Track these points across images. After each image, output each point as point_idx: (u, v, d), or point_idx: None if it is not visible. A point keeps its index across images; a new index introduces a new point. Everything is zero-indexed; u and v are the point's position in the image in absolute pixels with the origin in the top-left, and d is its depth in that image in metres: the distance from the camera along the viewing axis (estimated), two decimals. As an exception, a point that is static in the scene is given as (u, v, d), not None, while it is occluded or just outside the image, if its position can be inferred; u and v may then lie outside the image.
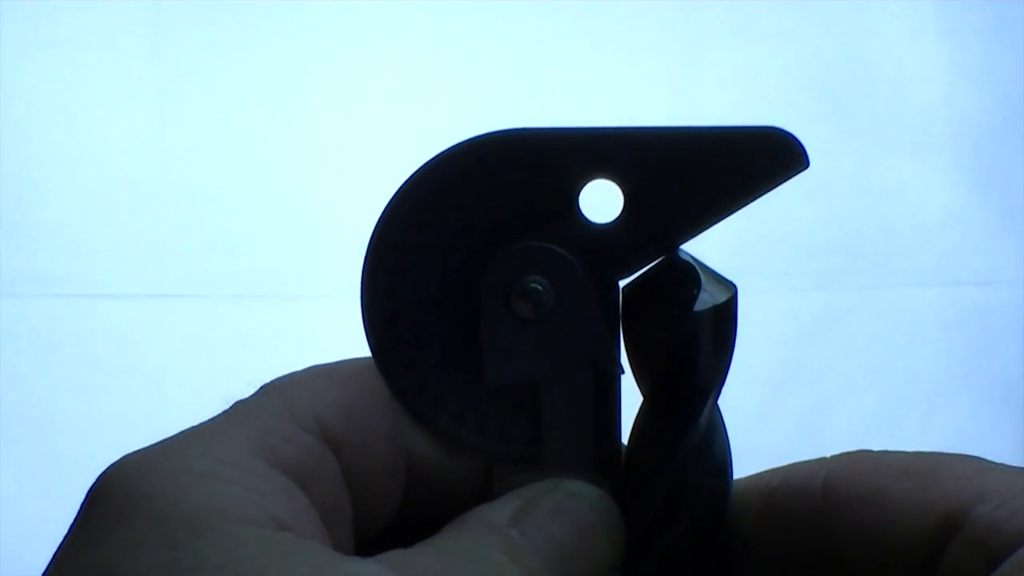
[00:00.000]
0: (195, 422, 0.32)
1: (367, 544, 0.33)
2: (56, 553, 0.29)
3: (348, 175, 1.06)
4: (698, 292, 0.32)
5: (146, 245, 1.08)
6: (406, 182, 0.33)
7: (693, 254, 0.34)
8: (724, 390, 0.34)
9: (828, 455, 0.34)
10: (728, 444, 0.34)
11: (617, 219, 0.33)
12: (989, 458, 0.32)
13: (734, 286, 0.33)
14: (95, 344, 1.08)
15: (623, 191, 0.33)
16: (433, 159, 0.33)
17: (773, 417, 1.11)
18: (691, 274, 0.33)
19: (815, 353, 1.17)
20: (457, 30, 1.09)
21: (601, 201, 0.34)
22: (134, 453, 0.31)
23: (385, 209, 0.33)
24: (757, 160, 0.33)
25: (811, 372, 1.16)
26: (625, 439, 0.35)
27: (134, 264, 1.08)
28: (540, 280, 0.33)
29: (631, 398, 0.34)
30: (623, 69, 1.08)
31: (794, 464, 0.34)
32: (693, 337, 0.33)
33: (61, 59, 1.06)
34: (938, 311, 1.19)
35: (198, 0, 1.07)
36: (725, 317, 0.33)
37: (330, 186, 1.07)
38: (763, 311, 1.12)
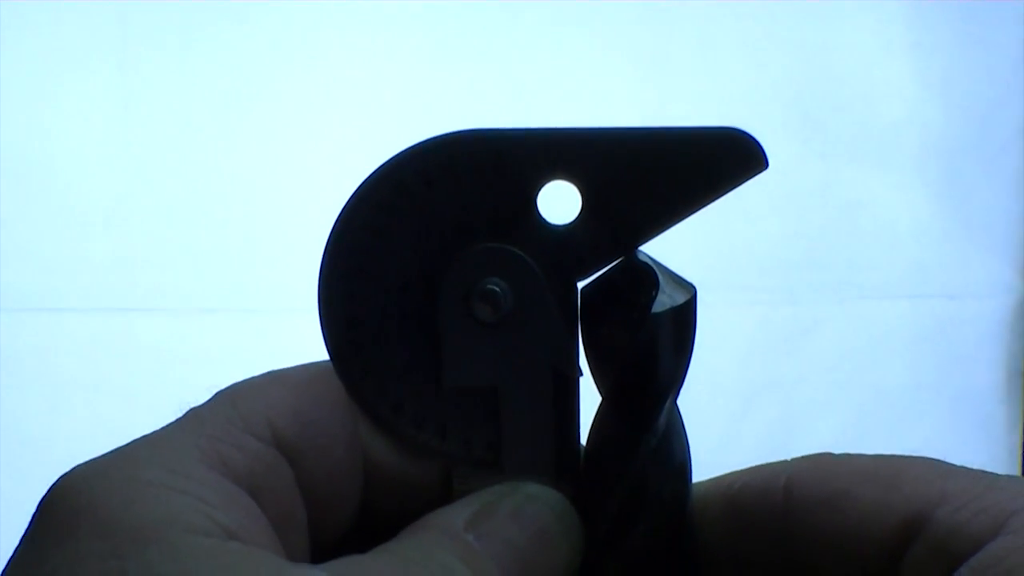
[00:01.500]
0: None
1: (328, 550, 0.33)
2: (6, 566, 0.29)
3: (313, 189, 1.05)
4: (656, 293, 0.32)
5: (110, 259, 1.07)
6: (363, 183, 0.33)
7: (652, 255, 0.34)
8: (691, 404, 0.34)
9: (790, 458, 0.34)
10: (687, 446, 0.34)
11: (575, 220, 0.33)
12: (957, 470, 0.32)
13: (693, 287, 0.33)
14: (60, 358, 1.07)
15: (581, 192, 0.33)
16: (391, 160, 0.33)
17: (741, 431, 1.11)
18: (649, 275, 0.33)
19: (783, 366, 1.16)
20: (420, 40, 1.09)
21: (560, 202, 0.33)
22: (84, 464, 0.30)
23: (343, 210, 0.33)
24: (716, 161, 0.32)
25: (779, 385, 1.16)
26: (584, 441, 0.34)
27: (99, 278, 1.07)
28: (499, 282, 0.33)
29: (589, 399, 0.34)
30: (590, 81, 1.08)
31: (756, 467, 0.34)
32: (652, 339, 0.32)
33: (25, 75, 1.06)
34: (906, 324, 1.19)
35: (163, 16, 1.07)
36: (684, 318, 0.33)
37: (295, 200, 1.06)
38: (730, 325, 1.12)
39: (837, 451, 0.34)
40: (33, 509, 0.30)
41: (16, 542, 0.29)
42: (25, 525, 0.30)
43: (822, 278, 1.17)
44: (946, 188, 1.18)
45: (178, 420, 0.32)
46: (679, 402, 0.34)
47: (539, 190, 0.33)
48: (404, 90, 1.07)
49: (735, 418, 1.12)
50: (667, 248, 0.34)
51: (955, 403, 1.19)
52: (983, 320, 1.20)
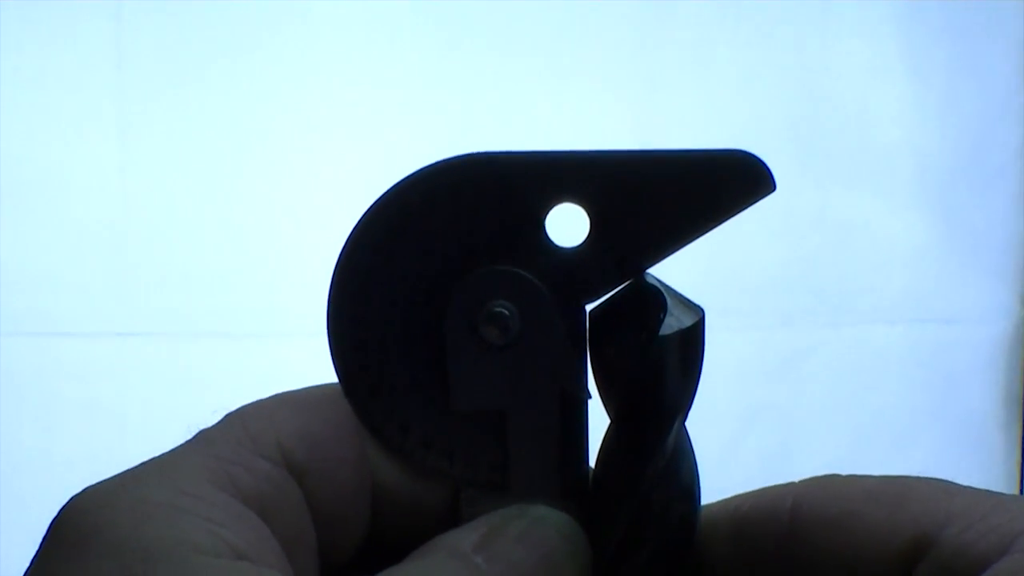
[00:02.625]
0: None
1: (336, 571, 0.33)
2: None
3: (310, 213, 1.05)
4: (664, 316, 0.32)
5: (106, 282, 1.07)
6: (372, 206, 0.33)
7: (660, 278, 0.34)
8: (688, 427, 0.34)
9: (797, 480, 0.34)
10: (696, 468, 0.34)
11: (583, 243, 0.33)
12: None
13: (701, 310, 0.33)
14: (57, 382, 1.07)
15: (589, 215, 0.33)
16: (399, 183, 0.33)
17: (738, 455, 1.11)
18: (657, 298, 0.33)
19: (779, 391, 1.16)
20: (418, 64, 1.09)
21: (568, 225, 0.33)
22: (95, 485, 0.30)
23: (351, 233, 0.33)
24: (724, 183, 0.32)
25: (775, 410, 1.16)
26: (592, 463, 0.34)
27: (94, 302, 1.07)
28: (506, 304, 0.33)
29: (598, 421, 0.34)
30: (585, 105, 1.08)
31: (763, 489, 0.34)
32: (659, 361, 0.32)
33: (23, 99, 1.06)
34: (902, 348, 1.19)
35: (159, 37, 1.07)
36: (692, 341, 0.33)
37: (292, 224, 1.07)
38: (727, 349, 1.12)
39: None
40: (31, 531, 0.30)
41: (15, 562, 0.29)
42: (24, 546, 0.30)
43: (818, 302, 1.17)
44: (942, 212, 1.18)
45: (188, 442, 0.32)
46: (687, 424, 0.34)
47: (547, 213, 0.33)
48: (405, 115, 1.07)
49: (732, 442, 1.12)
50: (663, 273, 0.34)
51: (952, 427, 1.19)
52: (980, 344, 1.20)
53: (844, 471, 0.34)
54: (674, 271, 0.35)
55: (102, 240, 1.07)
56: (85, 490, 0.30)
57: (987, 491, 0.31)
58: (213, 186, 1.08)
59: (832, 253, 1.17)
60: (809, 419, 1.17)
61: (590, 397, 0.34)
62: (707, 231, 0.33)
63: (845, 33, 1.15)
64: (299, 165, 1.08)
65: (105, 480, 0.31)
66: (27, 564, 0.29)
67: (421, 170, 0.33)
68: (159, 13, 1.07)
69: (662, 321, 0.32)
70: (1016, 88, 1.17)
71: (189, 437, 0.33)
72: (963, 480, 0.32)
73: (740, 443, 1.13)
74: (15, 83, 1.06)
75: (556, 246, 0.33)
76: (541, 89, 1.09)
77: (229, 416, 0.33)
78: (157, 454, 0.32)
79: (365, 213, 0.33)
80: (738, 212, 0.33)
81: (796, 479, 0.34)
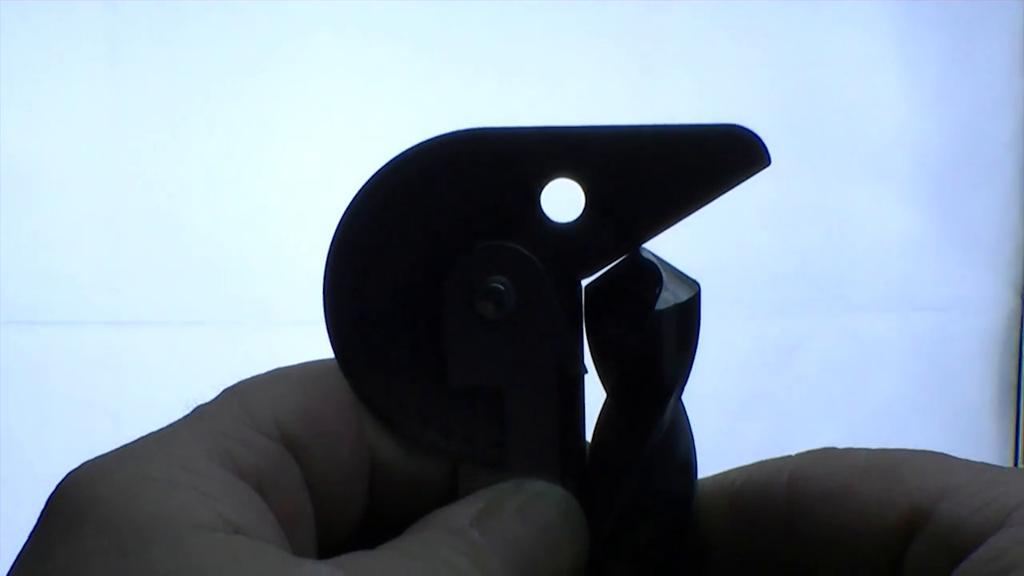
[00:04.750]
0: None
1: (334, 547, 0.33)
2: (14, 562, 0.29)
3: (305, 201, 1.05)
4: (660, 291, 0.32)
5: (102, 272, 1.07)
6: (368, 182, 0.33)
7: (656, 252, 0.34)
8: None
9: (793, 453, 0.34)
10: (693, 442, 0.34)
11: (579, 218, 0.33)
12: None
13: (697, 284, 0.33)
14: (50, 371, 1.07)
15: (584, 190, 0.33)
16: (394, 159, 0.33)
17: (734, 444, 1.11)
18: (653, 273, 0.33)
19: (774, 380, 1.17)
20: (413, 49, 1.09)
21: (563, 200, 0.33)
22: (91, 460, 0.30)
23: (347, 210, 0.33)
24: (719, 158, 0.32)
25: (771, 399, 1.16)
26: (589, 438, 0.34)
27: (90, 291, 1.07)
28: (503, 280, 0.33)
29: (595, 397, 0.34)
30: (580, 95, 1.08)
31: (759, 462, 0.34)
32: (656, 336, 0.32)
33: (13, 87, 1.06)
34: (897, 338, 1.20)
35: (154, 29, 1.07)
36: (688, 316, 0.33)
37: (289, 212, 1.07)
38: (722, 339, 1.12)
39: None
40: (26, 521, 0.30)
41: (10, 553, 0.29)
42: (19, 537, 0.30)
43: (813, 292, 1.17)
44: (937, 202, 1.18)
45: (185, 417, 0.32)
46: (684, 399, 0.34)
47: (543, 188, 0.33)
48: (397, 101, 1.07)
49: (728, 431, 1.12)
50: (661, 254, 0.34)
51: (947, 417, 1.19)
52: (974, 334, 1.21)
53: (840, 456, 0.34)
54: (669, 259, 0.35)
55: (95, 229, 1.07)
56: (82, 465, 0.30)
57: (983, 464, 0.31)
58: (207, 175, 1.08)
59: (828, 243, 1.17)
60: (805, 408, 1.17)
61: (586, 372, 0.34)
62: (702, 205, 0.33)
63: (841, 24, 1.15)
64: (293, 153, 1.08)
65: (102, 455, 0.31)
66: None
67: (416, 146, 0.33)
68: (153, 4, 1.07)
69: (658, 296, 0.32)
70: (1011, 79, 1.17)
71: (187, 413, 0.33)
72: (958, 468, 0.32)
73: (736, 432, 1.13)
74: (8, 75, 1.06)
75: (552, 221, 0.33)
76: (537, 79, 1.09)
77: (226, 392, 0.33)
78: (154, 429, 0.32)
79: (361, 189, 0.33)
80: (733, 186, 0.33)
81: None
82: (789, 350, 1.17)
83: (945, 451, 0.33)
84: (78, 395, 1.06)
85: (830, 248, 1.17)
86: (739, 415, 1.15)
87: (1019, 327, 1.20)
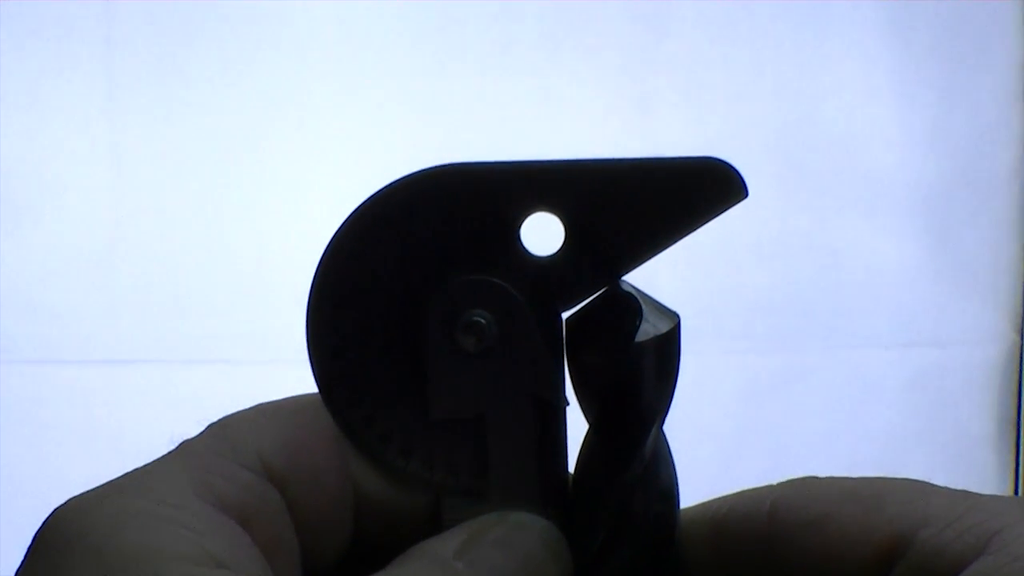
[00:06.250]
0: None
1: (319, 579, 0.33)
2: None
3: (302, 240, 1.05)
4: (640, 323, 0.33)
5: (99, 310, 1.07)
6: (349, 217, 0.33)
7: (635, 285, 0.34)
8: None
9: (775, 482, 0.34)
10: (675, 471, 0.34)
11: (559, 251, 0.34)
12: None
13: (677, 316, 0.33)
14: (49, 409, 1.07)
15: (564, 223, 0.33)
16: (376, 193, 0.33)
17: (729, 478, 1.10)
18: (633, 305, 0.33)
19: (770, 415, 1.16)
20: (409, 82, 1.10)
21: (543, 233, 0.34)
22: (78, 496, 0.31)
23: (329, 243, 0.33)
24: (697, 190, 0.33)
25: (767, 434, 1.16)
26: (572, 468, 0.35)
27: (87, 329, 1.07)
28: (483, 313, 0.33)
29: (577, 428, 0.34)
30: (574, 126, 1.08)
31: (741, 491, 0.34)
32: (636, 367, 0.33)
33: (11, 119, 1.06)
34: (895, 372, 1.19)
35: (150, 61, 1.07)
36: (668, 347, 0.33)
37: (284, 251, 1.07)
38: (717, 373, 1.12)
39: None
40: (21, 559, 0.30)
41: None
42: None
43: (810, 326, 1.17)
44: (934, 235, 1.18)
45: (170, 452, 0.33)
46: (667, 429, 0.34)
47: (522, 222, 0.33)
48: (395, 139, 1.07)
49: (723, 465, 1.12)
50: (654, 289, 0.35)
51: (945, 451, 1.19)
52: (973, 368, 1.20)
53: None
54: (665, 293, 0.35)
55: (92, 266, 1.07)
56: (68, 501, 0.31)
57: (963, 491, 0.32)
58: (206, 212, 1.08)
59: (824, 277, 1.17)
60: (801, 442, 1.16)
61: (568, 404, 0.34)
62: (681, 237, 0.33)
63: (836, 55, 1.15)
64: (294, 189, 1.08)
65: (88, 491, 0.31)
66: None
67: (397, 180, 0.33)
68: (150, 34, 1.07)
69: (638, 327, 0.33)
70: (1008, 110, 1.17)
71: (171, 448, 0.33)
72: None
73: (732, 466, 1.12)
74: (5, 105, 1.06)
75: (531, 255, 0.34)
76: (530, 110, 1.09)
77: (211, 427, 0.34)
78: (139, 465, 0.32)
79: (343, 223, 0.33)
80: (711, 218, 0.33)
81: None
82: (785, 384, 1.17)
83: (944, 484, 0.33)
84: (78, 433, 1.06)
85: (827, 282, 1.17)
86: (734, 449, 1.14)
87: (1018, 361, 1.20)
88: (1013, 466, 1.20)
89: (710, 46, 1.13)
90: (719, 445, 1.13)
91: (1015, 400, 1.20)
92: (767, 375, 1.16)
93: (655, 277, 0.34)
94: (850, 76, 1.15)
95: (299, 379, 0.35)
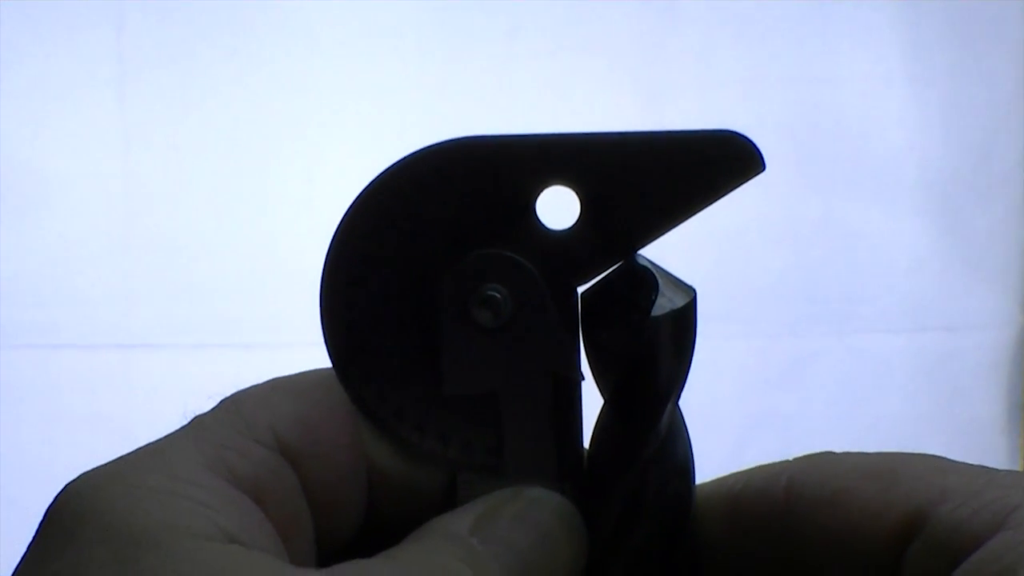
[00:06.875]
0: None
1: (333, 556, 0.33)
2: (13, 573, 0.29)
3: (314, 223, 1.05)
4: (656, 297, 0.32)
5: (110, 295, 1.07)
6: (363, 191, 0.33)
7: (651, 259, 0.34)
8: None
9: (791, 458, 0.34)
10: (690, 446, 0.34)
11: (574, 225, 0.33)
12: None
13: (693, 290, 0.33)
14: (58, 394, 1.07)
15: (579, 197, 0.33)
16: (390, 168, 0.33)
17: (739, 463, 1.10)
18: (649, 279, 0.33)
19: (781, 400, 1.16)
20: (419, 72, 1.10)
21: (558, 207, 0.34)
22: (89, 471, 0.31)
23: (342, 219, 0.33)
24: (714, 163, 0.32)
25: (778, 418, 1.16)
26: (586, 444, 0.34)
27: (98, 314, 1.07)
28: (498, 288, 0.33)
29: (592, 403, 0.34)
30: (586, 113, 1.08)
31: (757, 467, 0.34)
32: (652, 342, 0.32)
33: (20, 106, 1.06)
34: (905, 357, 1.19)
35: (162, 50, 1.07)
36: (684, 321, 0.33)
37: (296, 234, 1.07)
38: (729, 357, 1.12)
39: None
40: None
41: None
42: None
43: (821, 311, 1.17)
44: (945, 220, 1.18)
45: (183, 428, 0.32)
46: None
47: (537, 196, 0.33)
48: (405, 123, 1.07)
49: (735, 449, 1.12)
50: (666, 266, 0.34)
51: (955, 435, 1.19)
52: (983, 352, 1.20)
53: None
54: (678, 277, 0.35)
55: (104, 251, 1.08)
56: (79, 476, 0.30)
57: (981, 467, 0.31)
58: (216, 197, 1.08)
59: (835, 261, 1.17)
60: (812, 427, 1.16)
61: (583, 379, 0.34)
62: (698, 211, 0.33)
63: (847, 41, 1.15)
64: (304, 173, 1.08)
65: (99, 466, 0.31)
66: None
67: (411, 154, 0.33)
68: (161, 22, 1.07)
69: (654, 302, 0.32)
70: (1019, 95, 1.17)
71: (184, 423, 0.33)
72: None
73: (743, 451, 1.12)
74: (16, 93, 1.06)
75: (547, 228, 0.33)
76: (542, 98, 1.09)
77: (224, 402, 0.33)
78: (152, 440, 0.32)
79: (356, 198, 0.33)
80: (728, 192, 0.33)
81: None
82: (796, 368, 1.17)
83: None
84: (88, 419, 1.06)
85: (837, 267, 1.17)
86: (746, 434, 1.14)
87: (1028, 345, 1.20)
88: (1022, 449, 1.20)
89: (722, 32, 1.13)
90: (730, 430, 1.13)
91: (1024, 383, 1.20)
92: (777, 360, 1.16)
93: (666, 262, 0.34)
94: (862, 62, 1.15)
95: (312, 363, 0.35)
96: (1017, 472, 0.31)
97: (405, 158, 0.33)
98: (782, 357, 1.17)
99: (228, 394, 0.34)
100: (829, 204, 1.16)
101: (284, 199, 1.08)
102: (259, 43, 1.08)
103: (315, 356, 0.34)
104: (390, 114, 1.08)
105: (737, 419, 1.14)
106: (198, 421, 0.33)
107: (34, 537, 0.30)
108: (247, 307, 1.08)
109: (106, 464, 0.31)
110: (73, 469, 0.31)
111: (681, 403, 0.34)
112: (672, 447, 0.33)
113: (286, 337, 0.99)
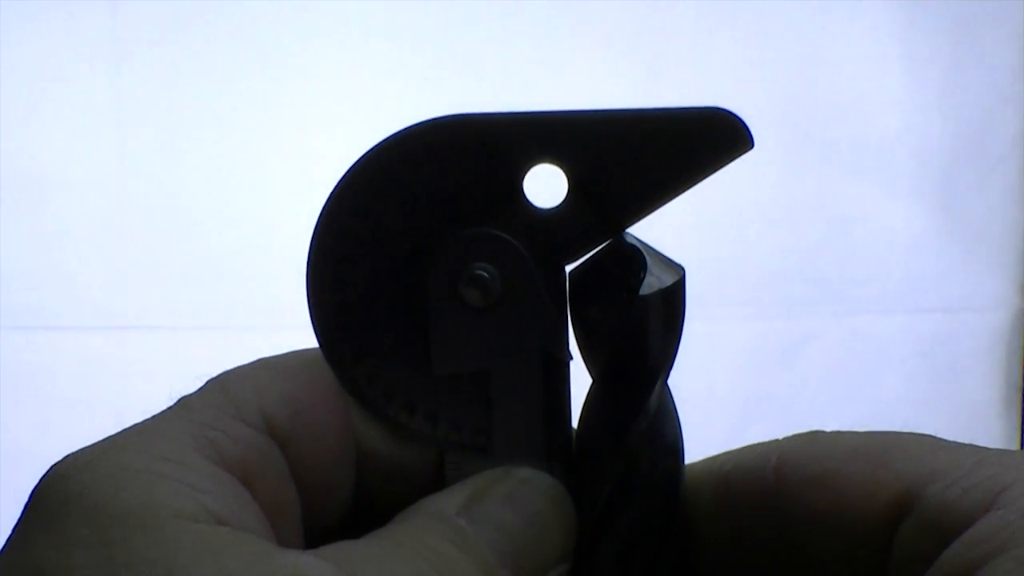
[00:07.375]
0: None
1: (321, 537, 0.33)
2: None
3: (309, 205, 1.05)
4: (645, 275, 0.32)
5: (105, 277, 1.07)
6: (351, 168, 0.33)
7: (640, 237, 0.34)
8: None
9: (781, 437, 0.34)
10: (679, 425, 0.34)
11: (562, 204, 0.33)
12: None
13: (682, 269, 0.33)
14: (55, 376, 1.07)
15: (567, 175, 0.33)
16: (378, 145, 0.33)
17: (735, 445, 1.10)
18: (638, 257, 0.33)
19: (779, 381, 1.16)
20: (414, 51, 1.09)
21: (546, 185, 0.33)
22: (74, 452, 0.30)
23: (330, 196, 0.33)
24: (702, 141, 0.32)
25: (775, 399, 1.16)
26: (575, 424, 0.34)
27: (93, 296, 1.07)
28: (487, 267, 0.32)
29: (581, 383, 0.34)
30: (582, 94, 1.08)
31: (747, 446, 0.34)
32: (640, 321, 0.32)
33: (16, 89, 1.06)
34: (902, 338, 1.19)
35: (156, 29, 1.07)
36: (673, 300, 0.33)
37: (290, 216, 1.06)
38: (726, 339, 1.12)
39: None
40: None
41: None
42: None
43: (818, 292, 1.17)
44: (942, 201, 1.18)
45: (169, 408, 0.32)
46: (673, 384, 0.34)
47: (525, 174, 0.33)
48: (401, 105, 1.07)
49: (730, 432, 1.12)
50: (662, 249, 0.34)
51: (952, 417, 1.19)
52: (980, 334, 1.20)
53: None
54: (673, 259, 0.35)
55: (99, 234, 1.08)
56: (65, 457, 0.30)
57: (972, 446, 0.31)
58: (211, 179, 1.08)
59: (832, 243, 1.17)
60: (809, 409, 1.17)
61: (572, 358, 0.33)
62: (686, 189, 0.33)
63: (844, 22, 1.15)
64: (298, 156, 1.08)
65: (85, 447, 0.31)
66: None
67: (399, 132, 0.33)
68: (156, 3, 1.07)
69: (643, 280, 0.32)
70: (1015, 77, 1.17)
71: (171, 404, 0.33)
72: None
73: (740, 432, 1.12)
74: (12, 77, 1.06)
75: (535, 207, 0.33)
76: (539, 80, 1.09)
77: (211, 382, 0.33)
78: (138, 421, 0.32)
79: (344, 175, 0.33)
80: (717, 169, 0.33)
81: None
82: (792, 350, 1.17)
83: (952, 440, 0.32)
84: (82, 400, 1.06)
85: (834, 248, 1.17)
86: (742, 416, 1.14)
87: (1024, 326, 1.20)
88: (1019, 431, 1.20)
89: (719, 13, 1.12)
90: (727, 411, 1.13)
91: (1021, 366, 1.20)
92: (774, 341, 1.16)
93: (663, 244, 0.34)
94: (858, 43, 1.15)
95: (305, 345, 0.34)
96: (1008, 451, 0.31)
97: (393, 135, 0.33)
98: (779, 339, 1.17)
99: (215, 374, 0.33)
100: (826, 186, 1.16)
101: (279, 181, 1.08)
102: (254, 25, 1.08)
103: (311, 338, 0.34)
104: (386, 94, 1.08)
105: (734, 400, 1.14)
106: (185, 402, 0.32)
107: (19, 519, 0.29)
108: (242, 289, 1.08)
109: (92, 445, 0.31)
110: (67, 451, 0.31)
111: (678, 385, 0.34)
112: (661, 426, 0.33)
113: (281, 319, 0.98)
